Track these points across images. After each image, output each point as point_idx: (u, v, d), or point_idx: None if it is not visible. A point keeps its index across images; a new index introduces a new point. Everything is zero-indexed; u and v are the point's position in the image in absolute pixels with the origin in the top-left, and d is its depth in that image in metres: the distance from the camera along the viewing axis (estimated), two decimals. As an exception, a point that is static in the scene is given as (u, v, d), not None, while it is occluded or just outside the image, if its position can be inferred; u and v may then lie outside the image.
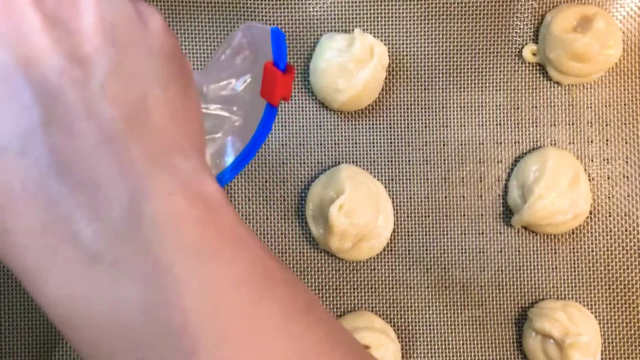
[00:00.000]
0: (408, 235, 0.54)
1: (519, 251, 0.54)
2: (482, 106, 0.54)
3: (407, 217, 0.54)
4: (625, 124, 0.54)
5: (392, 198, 0.53)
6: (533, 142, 0.54)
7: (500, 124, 0.54)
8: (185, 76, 0.28)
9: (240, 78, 0.34)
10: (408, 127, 0.54)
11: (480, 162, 0.54)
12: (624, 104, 0.54)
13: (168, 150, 0.25)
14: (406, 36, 0.54)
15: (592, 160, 0.54)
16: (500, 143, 0.54)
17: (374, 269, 0.53)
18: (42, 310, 0.24)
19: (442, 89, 0.54)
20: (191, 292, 0.23)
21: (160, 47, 0.27)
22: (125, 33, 0.26)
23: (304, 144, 0.54)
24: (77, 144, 0.23)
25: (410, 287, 0.53)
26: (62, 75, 0.24)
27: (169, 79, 0.27)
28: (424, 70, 0.54)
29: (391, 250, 0.53)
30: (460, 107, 0.54)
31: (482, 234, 0.54)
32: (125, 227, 0.23)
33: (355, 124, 0.54)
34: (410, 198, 0.54)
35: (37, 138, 0.23)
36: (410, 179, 0.54)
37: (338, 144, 0.54)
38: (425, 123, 0.54)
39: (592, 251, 0.54)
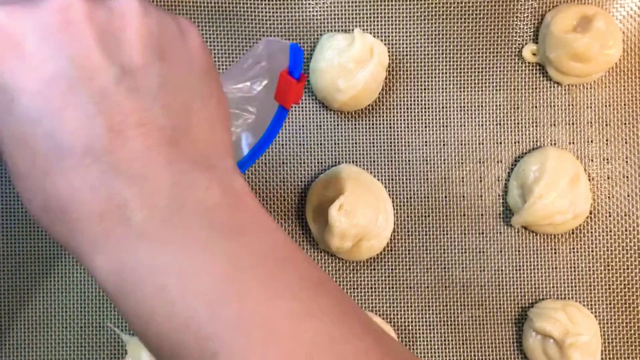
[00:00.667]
0: (408, 235, 0.54)
1: (519, 251, 0.54)
2: (482, 106, 0.54)
3: (407, 217, 0.54)
4: (625, 124, 0.54)
5: (392, 198, 0.53)
6: (533, 142, 0.54)
7: (500, 124, 0.54)
8: (219, 89, 0.32)
9: (257, 82, 0.39)
10: (408, 127, 0.54)
11: (480, 162, 0.54)
12: (624, 104, 0.54)
13: (206, 155, 0.29)
14: (406, 36, 0.54)
15: (592, 160, 0.54)
16: (500, 143, 0.54)
17: (374, 269, 0.53)
18: (97, 284, 0.28)
19: (442, 89, 0.54)
20: (219, 261, 0.27)
21: (200, 63, 0.31)
22: (170, 47, 0.30)
23: (304, 144, 0.54)
24: (132, 147, 0.27)
25: (410, 287, 0.53)
26: (118, 86, 0.27)
27: (207, 93, 0.31)
28: (424, 70, 0.54)
29: (391, 250, 0.53)
30: (460, 107, 0.54)
31: (482, 234, 0.54)
32: (169, 212, 0.27)
33: (355, 124, 0.54)
34: (410, 198, 0.54)
35: (99, 142, 0.26)
36: (410, 179, 0.54)
37: (338, 144, 0.54)
38: (425, 123, 0.54)
39: (592, 251, 0.54)
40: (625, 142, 0.54)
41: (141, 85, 0.28)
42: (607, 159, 0.54)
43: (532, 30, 0.54)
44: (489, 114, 0.54)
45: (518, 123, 0.54)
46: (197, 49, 0.31)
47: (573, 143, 0.54)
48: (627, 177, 0.54)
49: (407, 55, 0.54)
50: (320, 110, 0.54)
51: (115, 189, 0.27)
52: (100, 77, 0.27)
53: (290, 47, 0.36)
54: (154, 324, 0.26)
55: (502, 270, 0.54)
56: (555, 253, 0.54)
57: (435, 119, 0.54)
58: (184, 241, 0.27)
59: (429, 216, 0.54)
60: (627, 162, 0.54)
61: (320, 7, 0.54)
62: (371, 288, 0.53)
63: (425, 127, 0.54)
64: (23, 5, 0.28)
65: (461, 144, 0.54)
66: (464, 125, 0.54)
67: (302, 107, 0.54)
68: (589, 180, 0.54)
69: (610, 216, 0.54)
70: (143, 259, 0.27)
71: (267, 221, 0.29)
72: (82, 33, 0.27)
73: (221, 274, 0.27)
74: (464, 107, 0.54)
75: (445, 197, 0.54)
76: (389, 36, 0.54)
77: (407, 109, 0.54)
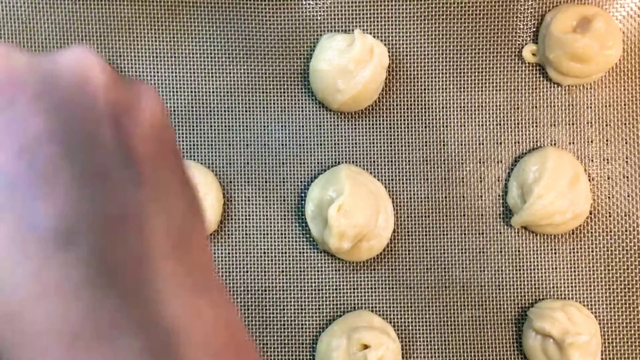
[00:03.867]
0: (408, 235, 0.54)
1: (519, 251, 0.54)
2: (482, 106, 0.54)
3: (407, 217, 0.54)
4: (625, 124, 0.54)
5: (392, 198, 0.53)
6: (533, 142, 0.54)
7: (500, 124, 0.54)
8: (202, 204, 0.27)
9: None
10: (408, 127, 0.54)
11: (480, 162, 0.54)
12: (624, 104, 0.54)
13: (207, 275, 0.24)
14: (406, 36, 0.54)
15: (592, 160, 0.54)
16: (500, 143, 0.54)
17: (374, 269, 0.53)
18: None
19: (442, 89, 0.54)
20: None
21: (191, 182, 0.26)
22: (172, 150, 0.25)
23: (304, 144, 0.54)
24: (127, 251, 0.20)
25: (410, 287, 0.53)
26: (122, 170, 0.21)
27: (198, 209, 0.25)
28: (424, 70, 0.54)
29: (391, 251, 0.53)
30: (460, 107, 0.54)
31: (482, 234, 0.54)
32: (165, 352, 0.20)
33: (355, 124, 0.54)
34: (410, 198, 0.54)
35: (85, 233, 0.20)
36: (410, 179, 0.54)
37: (338, 144, 0.54)
38: (425, 123, 0.54)
39: (592, 251, 0.54)
40: (625, 142, 0.54)
41: (146, 177, 0.22)
42: (607, 159, 0.54)
43: (532, 30, 0.54)
44: (489, 114, 0.54)
45: (518, 123, 0.54)
46: (186, 170, 0.26)
47: (573, 143, 0.54)
48: (627, 177, 0.54)
49: (407, 55, 0.54)
50: (320, 111, 0.54)
51: (102, 301, 0.20)
52: (104, 152, 0.21)
53: None
54: None
55: (502, 270, 0.54)
56: (555, 253, 0.54)
57: (435, 119, 0.54)
58: None
59: (429, 216, 0.54)
60: (627, 162, 0.54)
61: (320, 7, 0.54)
62: (371, 288, 0.53)
63: (425, 127, 0.54)
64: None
65: (461, 144, 0.54)
66: (464, 125, 0.54)
67: (302, 107, 0.54)
68: (589, 180, 0.54)
69: (610, 216, 0.54)
70: None
71: (253, 352, 0.25)
72: (95, 91, 0.22)
73: None
74: (464, 107, 0.54)
75: (445, 197, 0.54)
76: (389, 36, 0.54)
77: (407, 109, 0.54)
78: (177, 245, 0.22)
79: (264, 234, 0.53)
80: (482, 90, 0.54)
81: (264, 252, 0.53)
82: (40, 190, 0.20)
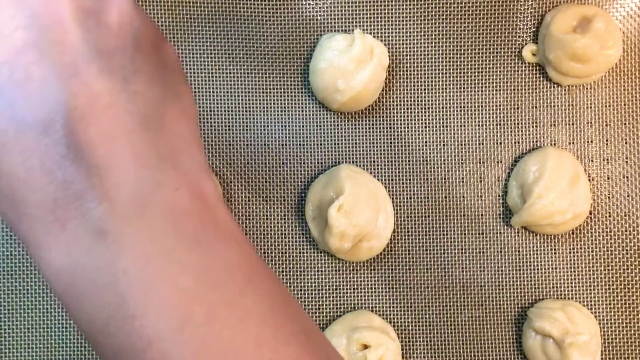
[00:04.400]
0: (408, 235, 0.54)
1: (519, 251, 0.54)
2: (482, 106, 0.54)
3: (407, 217, 0.54)
4: (625, 124, 0.54)
5: (392, 198, 0.53)
6: (533, 142, 0.54)
7: (500, 124, 0.54)
8: (190, 92, 0.30)
9: None
10: (408, 127, 0.54)
11: (480, 162, 0.54)
12: (624, 104, 0.54)
13: (177, 151, 0.27)
14: (406, 36, 0.54)
15: (592, 160, 0.54)
16: (500, 143, 0.54)
17: (374, 269, 0.53)
18: (45, 279, 0.26)
19: (442, 89, 0.54)
20: (187, 274, 0.25)
21: (173, 65, 0.30)
22: (147, 42, 0.28)
23: (304, 144, 0.54)
24: (97, 131, 0.25)
25: (410, 287, 0.53)
26: (91, 64, 0.25)
27: (181, 90, 0.29)
28: (424, 70, 0.54)
29: (391, 251, 0.53)
30: (460, 107, 0.54)
31: (482, 234, 0.54)
32: (132, 210, 0.25)
33: (355, 124, 0.54)
34: (410, 198, 0.54)
35: (60, 120, 0.24)
36: (410, 179, 0.54)
37: (338, 144, 0.54)
38: (425, 123, 0.54)
39: (592, 251, 0.54)
40: (625, 142, 0.54)
41: (114, 68, 0.26)
42: (607, 159, 0.54)
43: (532, 30, 0.54)
44: (489, 114, 0.54)
45: (518, 123, 0.54)
46: (172, 54, 0.30)
47: (573, 143, 0.54)
48: (627, 177, 0.54)
49: (407, 55, 0.54)
50: (320, 111, 0.54)
51: (73, 176, 0.24)
52: (73, 53, 0.25)
53: None
54: (107, 334, 0.25)
55: (502, 270, 0.54)
56: (555, 253, 0.54)
57: (435, 119, 0.54)
58: (147, 247, 0.25)
59: (429, 216, 0.54)
60: (627, 162, 0.54)
61: (320, 7, 0.54)
62: (371, 288, 0.53)
63: (425, 127, 0.54)
64: None
65: (461, 144, 0.54)
66: (464, 125, 0.54)
67: (302, 107, 0.54)
68: (589, 180, 0.54)
69: (610, 216, 0.54)
70: (100, 261, 0.24)
71: (235, 233, 0.28)
72: (60, 5, 0.26)
73: (188, 290, 0.25)
74: (464, 107, 0.54)
75: (445, 197, 0.54)
76: (389, 36, 0.54)
77: (407, 109, 0.54)
78: (143, 124, 0.26)
79: (264, 234, 0.53)
80: (482, 90, 0.54)
81: (264, 252, 0.53)
82: (21, 92, 0.25)
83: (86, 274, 0.24)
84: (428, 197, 0.54)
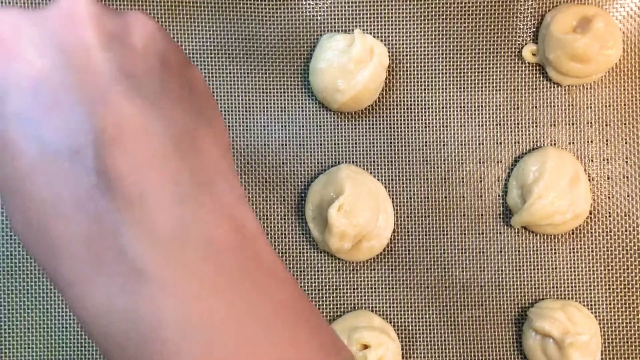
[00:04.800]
0: (408, 235, 0.54)
1: (519, 251, 0.54)
2: (482, 106, 0.54)
3: (407, 217, 0.54)
4: (625, 124, 0.54)
5: (392, 198, 0.53)
6: (533, 142, 0.54)
7: (500, 124, 0.54)
8: (222, 119, 0.29)
9: None
10: (408, 127, 0.54)
11: (480, 162, 0.54)
12: (624, 104, 0.54)
13: (214, 176, 0.26)
14: (406, 36, 0.54)
15: (592, 160, 0.54)
16: (500, 143, 0.54)
17: (374, 269, 0.53)
18: (79, 323, 0.24)
19: (442, 89, 0.54)
20: (233, 316, 0.23)
21: (201, 86, 0.29)
22: (174, 62, 0.27)
23: (304, 144, 0.54)
24: (128, 156, 0.23)
25: (410, 287, 0.53)
26: (117, 87, 0.24)
27: (212, 116, 0.28)
28: (424, 70, 0.54)
29: (391, 251, 0.53)
30: (460, 107, 0.54)
31: (482, 234, 0.54)
32: (170, 247, 0.23)
33: (355, 124, 0.54)
34: (410, 198, 0.54)
35: (89, 145, 0.23)
36: (410, 179, 0.54)
37: (338, 144, 0.54)
38: (425, 123, 0.54)
39: (592, 251, 0.54)
40: (625, 142, 0.54)
41: (142, 90, 0.25)
42: (607, 159, 0.54)
43: (532, 30, 0.54)
44: (489, 114, 0.54)
45: (518, 123, 0.54)
46: (200, 78, 0.29)
47: (573, 143, 0.54)
48: (627, 177, 0.54)
49: (407, 55, 0.54)
50: (320, 111, 0.54)
51: (105, 207, 0.23)
52: (98, 76, 0.24)
53: None
54: None
55: (502, 270, 0.54)
56: (555, 253, 0.54)
57: (435, 119, 0.54)
58: (190, 287, 0.23)
59: (429, 216, 0.54)
60: (627, 162, 0.54)
61: (320, 7, 0.54)
62: (371, 288, 0.53)
63: (425, 127, 0.54)
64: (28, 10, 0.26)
65: (461, 144, 0.54)
66: (464, 125, 0.54)
67: (302, 107, 0.54)
68: (589, 180, 0.54)
69: (610, 216, 0.54)
70: (140, 303, 0.23)
71: (280, 271, 0.26)
72: (84, 30, 0.25)
73: (236, 333, 0.23)
74: (464, 107, 0.54)
75: (445, 197, 0.54)
76: (389, 36, 0.54)
77: (407, 109, 0.54)
78: (176, 147, 0.25)
79: (264, 234, 0.53)
80: (482, 90, 0.54)
81: (264, 252, 0.53)
82: (47, 118, 0.24)
83: (126, 318, 0.23)
84: (428, 197, 0.54)
